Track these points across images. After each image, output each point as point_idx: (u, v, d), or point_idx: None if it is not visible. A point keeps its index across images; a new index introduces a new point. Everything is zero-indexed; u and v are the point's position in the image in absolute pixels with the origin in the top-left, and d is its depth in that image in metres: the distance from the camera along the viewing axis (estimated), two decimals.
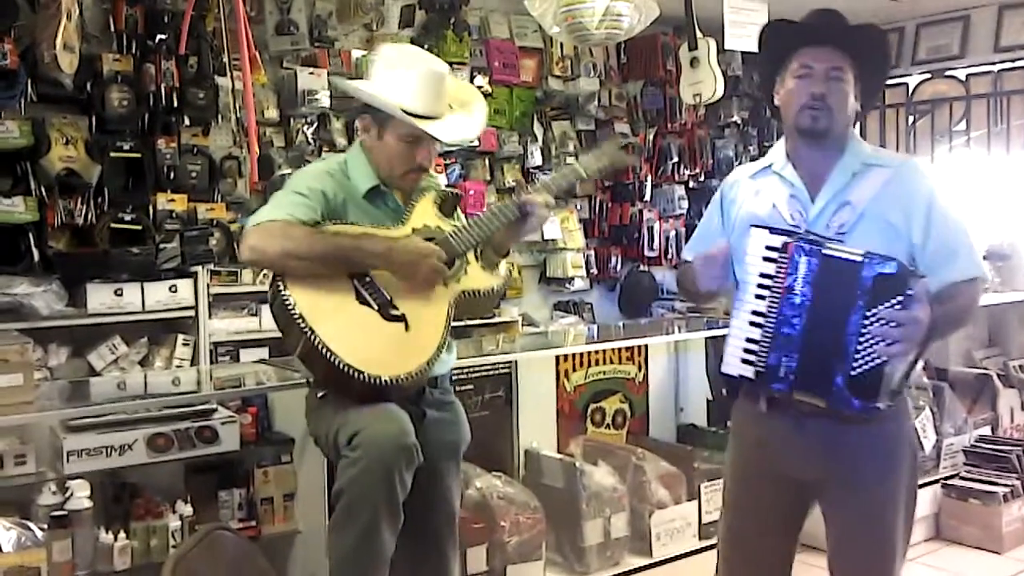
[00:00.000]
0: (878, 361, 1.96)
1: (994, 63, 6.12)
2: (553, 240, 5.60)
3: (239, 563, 2.57)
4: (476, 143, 5.08)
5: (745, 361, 2.10)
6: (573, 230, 5.74)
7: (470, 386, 3.40)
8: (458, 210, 2.59)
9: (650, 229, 6.01)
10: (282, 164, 4.51)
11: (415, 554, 2.41)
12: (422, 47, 4.13)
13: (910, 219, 2.09)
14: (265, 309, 4.27)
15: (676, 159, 6.12)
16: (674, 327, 4.49)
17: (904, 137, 6.47)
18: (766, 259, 2.08)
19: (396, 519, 2.22)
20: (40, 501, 2.75)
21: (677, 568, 3.55)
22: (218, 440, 2.92)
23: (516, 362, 3.55)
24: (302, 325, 2.19)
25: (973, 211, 4.88)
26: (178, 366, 4.11)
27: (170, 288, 4.10)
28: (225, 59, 4.17)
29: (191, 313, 4.18)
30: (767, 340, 2.06)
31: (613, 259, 6.02)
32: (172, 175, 4.18)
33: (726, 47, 4.90)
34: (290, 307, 2.21)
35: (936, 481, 4.32)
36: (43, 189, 3.84)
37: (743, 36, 4.82)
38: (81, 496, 2.72)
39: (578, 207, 5.86)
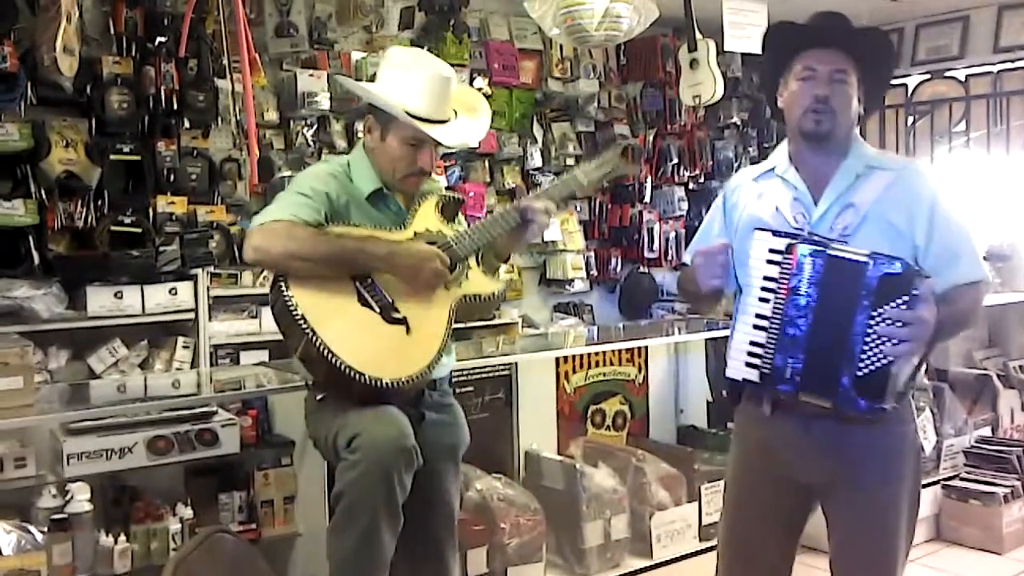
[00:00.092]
0: (884, 361, 1.96)
1: (993, 64, 6.12)
2: (553, 242, 5.60)
3: (239, 566, 2.57)
4: (476, 145, 5.08)
5: (749, 364, 2.10)
6: (573, 232, 5.74)
7: (470, 388, 3.40)
8: (458, 214, 2.60)
9: (650, 231, 6.01)
10: (282, 166, 4.51)
11: (415, 556, 2.41)
12: (421, 49, 4.13)
13: (913, 222, 2.09)
14: (265, 311, 4.28)
15: (676, 160, 6.12)
16: (674, 328, 4.49)
17: (903, 138, 6.47)
18: (769, 262, 2.08)
19: (396, 521, 2.22)
20: (40, 504, 2.75)
21: (677, 570, 3.55)
22: (218, 443, 2.92)
23: (516, 364, 3.55)
24: (304, 326, 2.19)
25: (973, 212, 4.87)
26: (178, 369, 4.11)
27: (170, 291, 4.10)
28: (225, 61, 4.18)
29: (191, 316, 4.18)
30: (772, 342, 2.06)
31: (613, 261, 6.02)
32: (172, 178, 4.18)
33: (726, 48, 4.91)
34: (292, 308, 2.21)
35: (936, 482, 4.31)
36: (43, 192, 3.85)
37: (742, 37, 4.83)
38: (81, 499, 2.72)
39: (578, 209, 5.86)
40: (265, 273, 4.21)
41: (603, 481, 3.44)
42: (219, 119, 4.32)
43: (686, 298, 2.52)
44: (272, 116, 4.59)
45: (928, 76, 6.40)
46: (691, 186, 6.33)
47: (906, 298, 1.94)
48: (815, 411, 2.07)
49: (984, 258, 2.21)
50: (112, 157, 3.99)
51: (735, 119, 6.38)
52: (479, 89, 4.88)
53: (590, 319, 5.81)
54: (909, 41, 6.41)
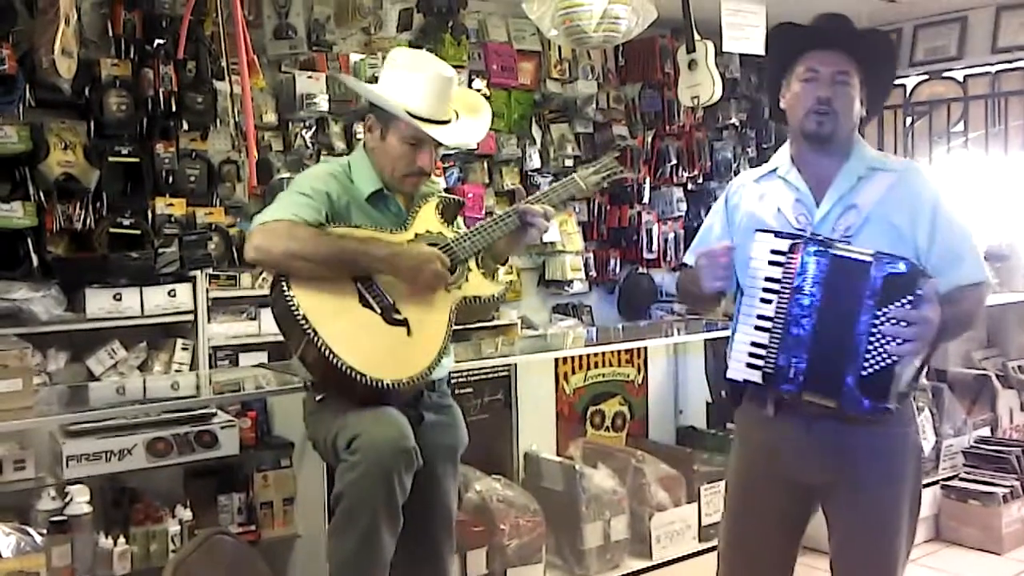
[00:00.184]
0: (889, 361, 1.96)
1: (992, 64, 6.12)
2: (552, 243, 5.60)
3: (239, 567, 2.58)
4: (475, 146, 5.08)
5: (751, 366, 2.10)
6: (572, 233, 5.74)
7: (469, 389, 3.40)
8: (458, 216, 2.60)
9: (649, 231, 6.01)
10: (281, 168, 4.51)
11: (413, 557, 2.41)
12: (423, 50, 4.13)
13: (916, 223, 2.10)
14: (264, 313, 4.28)
15: (674, 161, 6.12)
16: (673, 329, 4.50)
17: (902, 138, 6.47)
18: (772, 263, 2.09)
19: (396, 523, 2.22)
20: (39, 506, 2.75)
21: (677, 570, 3.55)
22: (217, 444, 2.91)
23: (515, 365, 3.55)
24: (305, 326, 2.19)
25: (971, 212, 4.88)
26: (177, 370, 4.10)
27: (169, 292, 4.10)
28: (223, 63, 4.18)
29: (190, 317, 4.17)
30: (775, 342, 2.06)
31: (612, 261, 6.02)
32: (171, 179, 4.18)
33: (724, 49, 4.91)
34: (293, 308, 2.21)
35: (936, 482, 4.32)
36: (42, 194, 3.84)
37: (741, 38, 4.83)
38: (80, 501, 2.72)
39: (576, 210, 5.86)
40: (264, 275, 4.21)
41: (602, 482, 3.45)
42: (218, 121, 4.31)
43: (686, 300, 2.52)
44: (271, 118, 4.59)
45: (926, 77, 6.40)
46: (690, 187, 6.34)
47: (911, 298, 1.94)
48: (817, 412, 2.07)
49: (983, 258, 2.21)
50: (111, 159, 3.99)
51: (733, 120, 6.38)
52: (478, 90, 4.89)
53: (589, 320, 5.81)
54: (907, 42, 6.41)
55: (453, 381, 2.67)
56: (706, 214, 2.47)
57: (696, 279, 2.22)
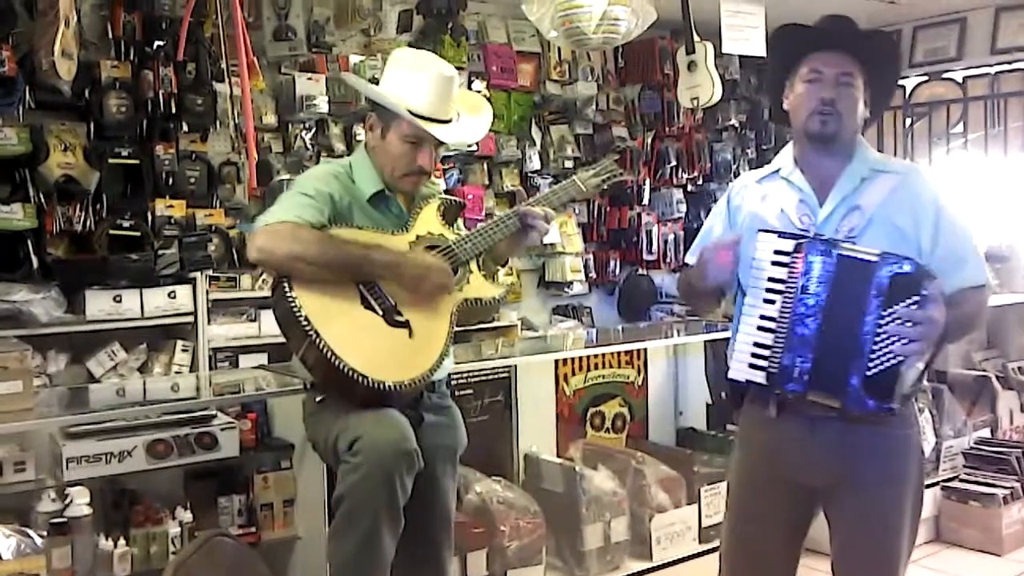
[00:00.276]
0: (894, 361, 1.97)
1: (991, 65, 6.12)
2: (552, 244, 5.60)
3: (239, 569, 2.57)
4: (474, 147, 5.09)
5: (754, 366, 2.10)
6: (572, 234, 5.74)
7: (469, 391, 3.40)
8: (459, 218, 2.61)
9: (648, 233, 6.01)
10: (280, 170, 4.51)
11: (412, 558, 2.41)
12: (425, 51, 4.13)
13: (919, 225, 2.10)
14: (264, 315, 4.28)
15: (674, 163, 6.12)
16: (673, 331, 4.50)
17: (901, 140, 6.47)
18: (775, 263, 2.09)
19: (397, 524, 2.22)
20: (39, 508, 2.75)
21: (677, 572, 3.55)
22: (217, 446, 2.92)
23: (515, 366, 3.55)
24: (307, 328, 2.19)
25: (971, 214, 4.88)
26: (177, 372, 4.10)
27: (169, 294, 4.10)
28: (223, 65, 4.18)
29: (190, 319, 4.17)
30: (780, 342, 2.06)
31: (612, 263, 6.01)
32: (170, 181, 4.18)
33: (724, 51, 4.91)
34: (295, 309, 2.20)
35: (936, 483, 4.32)
36: (42, 196, 3.84)
37: (740, 40, 4.83)
38: (81, 503, 2.72)
39: (576, 211, 5.86)
40: (264, 276, 4.21)
41: (603, 483, 3.45)
42: (217, 123, 4.31)
43: (687, 297, 2.50)
44: (270, 120, 4.59)
45: (926, 78, 6.40)
46: (689, 188, 6.34)
47: (916, 298, 1.95)
48: (820, 413, 2.08)
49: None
50: (110, 161, 3.99)
51: (733, 121, 6.38)
52: (477, 92, 4.89)
53: (589, 321, 5.81)
54: (907, 43, 6.41)
55: (453, 382, 2.67)
56: (706, 215, 2.47)
57: (700, 273, 2.22)
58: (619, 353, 3.92)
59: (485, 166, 5.41)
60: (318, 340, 2.18)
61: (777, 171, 2.27)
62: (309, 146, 4.65)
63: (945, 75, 6.35)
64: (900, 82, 6.33)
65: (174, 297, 4.11)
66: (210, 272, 4.25)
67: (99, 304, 3.94)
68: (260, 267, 3.66)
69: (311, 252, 2.22)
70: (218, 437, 2.92)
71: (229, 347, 4.30)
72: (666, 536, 3.57)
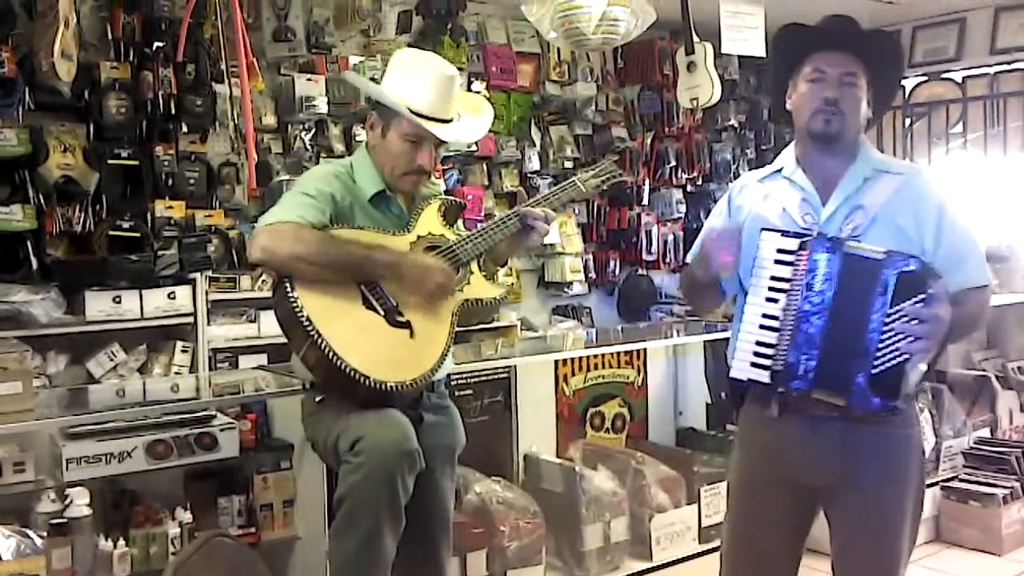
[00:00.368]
0: (900, 359, 1.97)
1: (990, 65, 6.12)
2: (551, 245, 5.60)
3: (239, 570, 2.57)
4: (474, 148, 5.09)
5: (756, 365, 2.10)
6: (571, 234, 5.74)
7: (469, 391, 3.40)
8: (459, 218, 2.61)
9: (648, 233, 6.01)
10: (280, 170, 4.51)
11: (411, 558, 2.41)
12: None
13: (921, 225, 2.11)
14: (264, 315, 4.28)
15: (674, 163, 6.12)
16: (673, 331, 4.50)
17: (901, 140, 6.48)
18: (778, 261, 2.09)
19: (398, 524, 2.23)
20: (39, 509, 2.75)
21: (677, 572, 3.56)
22: (217, 447, 2.92)
23: (515, 367, 3.55)
24: (308, 328, 2.20)
25: (970, 213, 4.89)
26: (177, 373, 4.10)
27: (168, 295, 4.10)
28: (223, 66, 4.18)
29: (190, 320, 4.17)
30: (784, 340, 2.06)
31: (611, 263, 6.01)
32: (170, 182, 4.18)
33: (723, 51, 4.91)
34: (297, 309, 2.21)
35: (935, 483, 4.32)
36: (41, 197, 3.84)
37: (740, 40, 4.83)
38: (80, 503, 2.72)
39: (576, 211, 5.86)
40: (264, 276, 4.21)
41: (602, 484, 3.45)
42: (217, 123, 4.31)
43: (689, 293, 2.49)
44: (270, 120, 4.59)
45: (925, 78, 6.40)
46: (689, 188, 6.33)
47: (922, 296, 1.95)
48: (822, 412, 2.08)
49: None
50: (110, 162, 3.98)
51: (733, 121, 6.38)
52: (477, 92, 4.89)
53: (589, 322, 5.81)
54: (906, 43, 6.40)
55: (453, 383, 2.68)
56: (706, 216, 2.48)
57: (702, 262, 2.20)
58: (619, 353, 3.92)
59: (485, 167, 5.41)
60: (319, 340, 2.19)
61: (779, 171, 2.27)
62: (308, 147, 4.65)
63: (944, 75, 6.35)
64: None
65: (174, 298, 4.11)
66: (210, 273, 4.25)
67: (99, 305, 3.94)
68: (261, 267, 3.66)
69: (313, 252, 2.22)
70: (218, 438, 2.92)
71: (229, 348, 4.30)
72: (666, 536, 3.57)
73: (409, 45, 4.93)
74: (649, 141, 6.11)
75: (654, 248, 6.04)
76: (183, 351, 4.16)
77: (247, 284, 4.39)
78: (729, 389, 2.24)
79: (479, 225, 2.52)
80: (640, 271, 6.11)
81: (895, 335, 1.96)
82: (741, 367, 2.12)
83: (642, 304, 6.03)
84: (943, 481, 4.39)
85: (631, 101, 6.10)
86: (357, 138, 4.64)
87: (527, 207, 2.49)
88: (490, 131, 5.25)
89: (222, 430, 2.94)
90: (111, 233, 3.98)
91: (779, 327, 2.08)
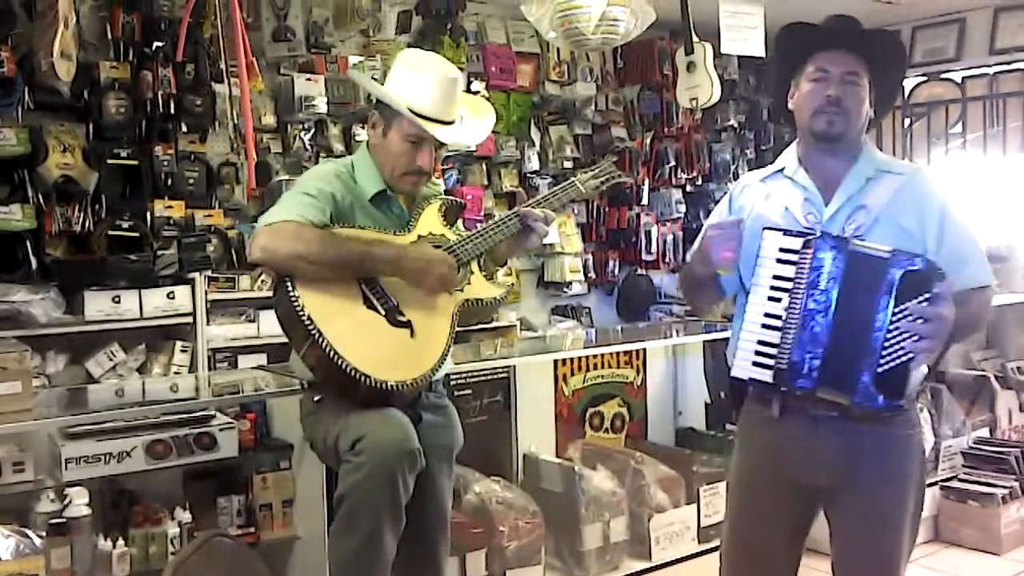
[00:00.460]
0: (905, 358, 1.97)
1: (990, 65, 6.13)
2: (551, 244, 5.60)
3: (238, 569, 2.57)
4: (473, 148, 5.09)
5: (759, 364, 2.10)
6: (571, 234, 5.74)
7: (469, 391, 3.40)
8: (460, 218, 2.61)
9: (647, 233, 6.01)
10: (279, 170, 4.51)
11: (409, 557, 2.41)
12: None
13: (924, 225, 2.11)
14: (263, 315, 4.28)
15: (673, 163, 6.12)
16: (672, 331, 4.50)
17: (900, 140, 6.48)
18: (780, 261, 2.09)
19: (398, 524, 2.23)
20: (38, 508, 2.75)
21: (676, 572, 3.56)
22: (216, 447, 2.92)
23: (514, 367, 3.55)
24: (310, 327, 2.19)
25: (970, 214, 4.88)
26: (176, 373, 4.10)
27: (168, 295, 4.10)
28: (222, 66, 4.17)
29: (189, 320, 4.17)
30: (788, 339, 2.06)
31: (611, 263, 6.01)
32: (169, 182, 4.18)
33: (722, 51, 4.91)
34: (298, 308, 2.21)
35: (935, 483, 4.31)
36: (40, 196, 3.84)
37: (739, 40, 4.83)
38: (80, 503, 2.72)
39: (575, 211, 5.86)
40: (263, 276, 4.21)
41: (602, 483, 3.45)
42: (216, 123, 4.31)
43: (687, 289, 2.47)
44: (269, 120, 4.59)
45: (924, 78, 6.40)
46: (688, 188, 6.34)
47: (927, 295, 1.95)
48: (824, 412, 2.08)
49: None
50: (109, 162, 3.98)
51: (732, 121, 6.38)
52: (476, 92, 4.89)
53: (588, 321, 5.81)
54: (905, 43, 6.39)
55: (452, 383, 2.68)
56: (705, 216, 2.48)
57: (704, 257, 2.19)
58: (618, 353, 3.92)
59: (484, 166, 5.41)
60: (320, 339, 2.19)
61: (781, 170, 2.27)
62: (308, 147, 4.65)
63: (944, 75, 6.35)
64: None
65: (173, 298, 4.11)
66: (209, 273, 4.25)
67: (98, 305, 3.93)
68: (262, 266, 3.66)
69: (314, 251, 2.22)
70: (217, 437, 2.92)
71: (228, 347, 4.30)
72: (665, 536, 3.57)
73: (408, 45, 4.93)
74: (648, 141, 6.12)
75: (653, 248, 6.04)
76: (182, 351, 4.16)
77: (246, 284, 4.39)
78: (729, 389, 2.23)
79: (479, 225, 2.52)
80: (639, 271, 6.11)
81: (901, 334, 1.97)
82: (743, 366, 2.12)
83: (641, 304, 6.03)
84: (942, 481, 4.39)
85: (631, 101, 6.10)
86: (356, 138, 4.64)
87: (527, 208, 2.49)
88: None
89: (221, 430, 2.94)
90: (110, 233, 3.98)
91: (782, 326, 2.07)
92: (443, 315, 2.38)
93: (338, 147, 4.71)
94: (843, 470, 2.12)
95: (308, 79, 4.59)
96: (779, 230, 2.13)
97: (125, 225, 4.01)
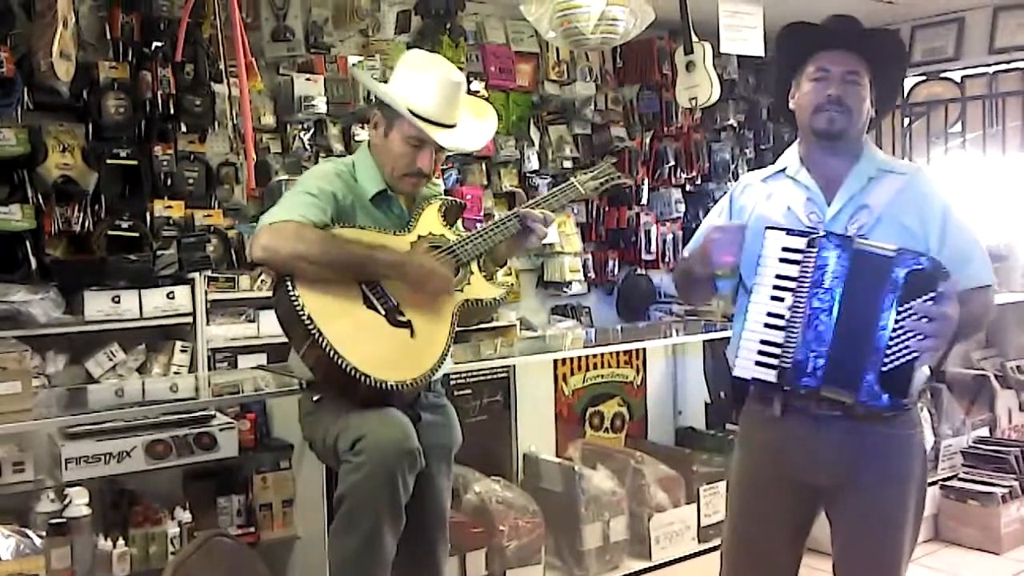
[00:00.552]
0: (909, 357, 1.97)
1: (989, 65, 6.13)
2: (551, 244, 5.60)
3: (238, 569, 2.57)
4: (473, 149, 5.09)
5: (761, 364, 2.10)
6: (570, 234, 5.74)
7: (468, 391, 3.40)
8: (460, 218, 2.62)
9: (647, 233, 6.01)
10: (279, 170, 4.51)
11: (408, 557, 2.41)
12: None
13: (926, 225, 2.11)
14: (263, 315, 4.28)
15: (672, 163, 6.12)
16: (672, 330, 4.50)
17: (899, 139, 6.48)
18: (784, 260, 2.09)
19: (398, 523, 2.23)
20: (39, 508, 2.75)
21: (676, 571, 3.56)
22: (216, 446, 2.92)
23: (514, 366, 3.55)
24: (310, 326, 2.19)
25: (970, 213, 4.88)
26: (176, 373, 4.10)
27: (167, 295, 4.10)
28: (221, 66, 4.18)
29: (189, 320, 4.17)
30: (791, 338, 2.06)
31: (610, 263, 6.02)
32: (169, 182, 4.18)
33: (722, 51, 4.91)
34: (299, 308, 2.20)
35: (935, 482, 4.31)
36: (40, 197, 3.84)
37: (739, 40, 4.83)
38: (80, 503, 2.72)
39: (575, 211, 5.87)
40: (263, 276, 4.21)
41: (602, 483, 3.45)
42: (216, 123, 4.31)
43: (682, 285, 2.47)
44: (269, 120, 4.58)
45: (924, 77, 6.41)
46: (688, 188, 6.34)
47: (932, 294, 1.96)
48: (825, 412, 2.08)
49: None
50: (109, 162, 3.98)
51: (731, 121, 6.38)
52: (476, 92, 4.89)
53: (588, 321, 5.81)
54: (905, 42, 6.39)
55: (452, 382, 2.68)
56: (704, 215, 2.47)
57: (704, 256, 2.19)
58: (618, 353, 3.92)
59: (483, 166, 5.41)
60: (320, 339, 2.19)
61: (782, 170, 2.27)
62: (307, 147, 4.65)
63: (943, 75, 6.35)
64: None
65: (173, 298, 4.11)
66: (209, 273, 4.25)
67: (98, 305, 3.93)
68: (263, 266, 3.66)
69: (315, 251, 2.22)
70: (217, 437, 2.92)
71: (228, 347, 4.29)
72: (665, 535, 3.57)
73: (408, 45, 4.94)
74: (648, 141, 6.12)
75: (653, 248, 6.04)
76: (182, 351, 4.16)
77: (246, 284, 4.39)
78: (730, 388, 2.23)
79: (479, 226, 2.52)
80: (639, 271, 6.11)
81: (905, 333, 1.97)
82: (745, 366, 2.12)
83: (641, 303, 6.03)
84: (942, 480, 4.39)
85: (630, 101, 6.10)
86: (356, 138, 4.64)
87: (526, 208, 2.49)
88: None
89: (221, 430, 2.94)
90: (110, 233, 3.97)
91: (785, 325, 2.07)
92: (443, 315, 2.38)
93: (337, 147, 4.71)
94: (844, 470, 2.12)
95: (307, 79, 4.59)
96: (782, 230, 2.13)
97: (125, 225, 4.00)
